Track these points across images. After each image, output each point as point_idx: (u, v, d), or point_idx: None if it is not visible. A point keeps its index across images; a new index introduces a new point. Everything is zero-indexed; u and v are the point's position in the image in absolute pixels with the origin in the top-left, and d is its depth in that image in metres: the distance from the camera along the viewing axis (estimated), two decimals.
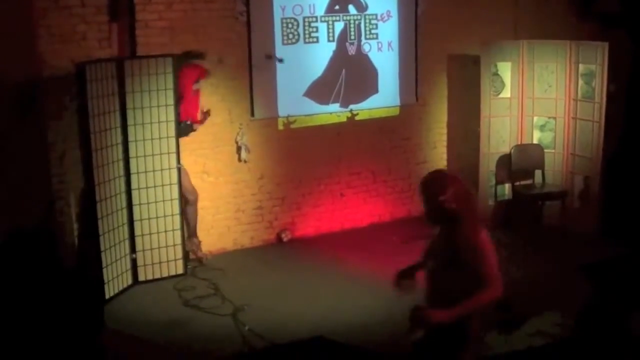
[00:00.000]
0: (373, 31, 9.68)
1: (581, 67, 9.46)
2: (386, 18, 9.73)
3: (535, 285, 8.04)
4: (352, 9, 9.50)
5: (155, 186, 8.16)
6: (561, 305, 7.54)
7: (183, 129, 8.41)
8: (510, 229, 9.55)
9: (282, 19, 9.10)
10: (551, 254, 8.88)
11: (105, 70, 7.69)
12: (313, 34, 9.33)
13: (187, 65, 8.41)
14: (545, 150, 9.72)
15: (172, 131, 8.15)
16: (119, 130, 7.90)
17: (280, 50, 9.13)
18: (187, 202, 8.58)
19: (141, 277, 8.27)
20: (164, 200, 8.22)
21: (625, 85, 10.49)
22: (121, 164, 7.97)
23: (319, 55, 9.40)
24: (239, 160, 9.08)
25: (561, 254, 8.84)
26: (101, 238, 7.71)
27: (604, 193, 9.52)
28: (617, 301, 7.40)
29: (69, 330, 6.78)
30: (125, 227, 8.07)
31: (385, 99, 9.90)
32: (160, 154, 8.14)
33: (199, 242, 8.83)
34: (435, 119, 10.32)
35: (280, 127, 9.32)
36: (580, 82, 9.47)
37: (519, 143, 9.80)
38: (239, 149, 9.06)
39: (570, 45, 9.53)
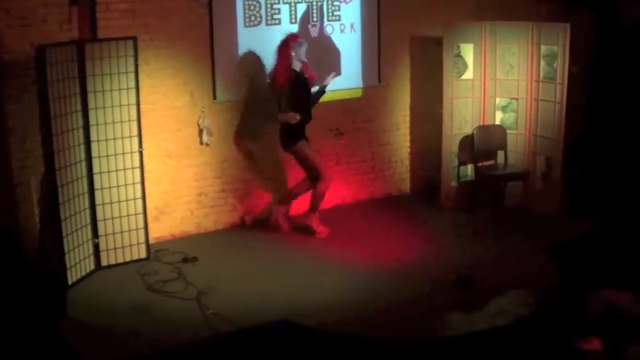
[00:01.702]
0: (335, 13, 9.65)
1: (543, 48, 9.51)
2: (348, 0, 9.71)
3: (498, 265, 8.12)
4: None
5: (117, 170, 8.10)
6: (524, 285, 7.62)
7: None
8: (473, 210, 9.64)
9: (243, 1, 9.03)
10: (513, 235, 8.96)
11: (66, 53, 7.60)
12: (275, 16, 9.28)
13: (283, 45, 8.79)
14: (508, 131, 9.78)
15: (133, 114, 8.08)
16: (79, 114, 7.82)
17: (242, 33, 9.07)
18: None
19: (104, 262, 8.21)
20: (126, 185, 8.16)
21: (587, 66, 10.57)
22: (82, 148, 7.89)
23: (281, 37, 9.34)
24: (201, 143, 9.03)
25: (523, 235, 8.92)
26: (63, 223, 7.63)
27: (566, 174, 9.60)
28: (577, 282, 7.50)
29: (29, 318, 6.75)
30: (87, 212, 8.01)
31: (347, 80, 9.88)
32: (122, 137, 8.08)
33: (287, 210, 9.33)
34: (398, 101, 10.33)
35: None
36: (542, 63, 9.53)
37: (482, 124, 9.85)
38: (200, 131, 9.01)
39: (531, 27, 9.58)
